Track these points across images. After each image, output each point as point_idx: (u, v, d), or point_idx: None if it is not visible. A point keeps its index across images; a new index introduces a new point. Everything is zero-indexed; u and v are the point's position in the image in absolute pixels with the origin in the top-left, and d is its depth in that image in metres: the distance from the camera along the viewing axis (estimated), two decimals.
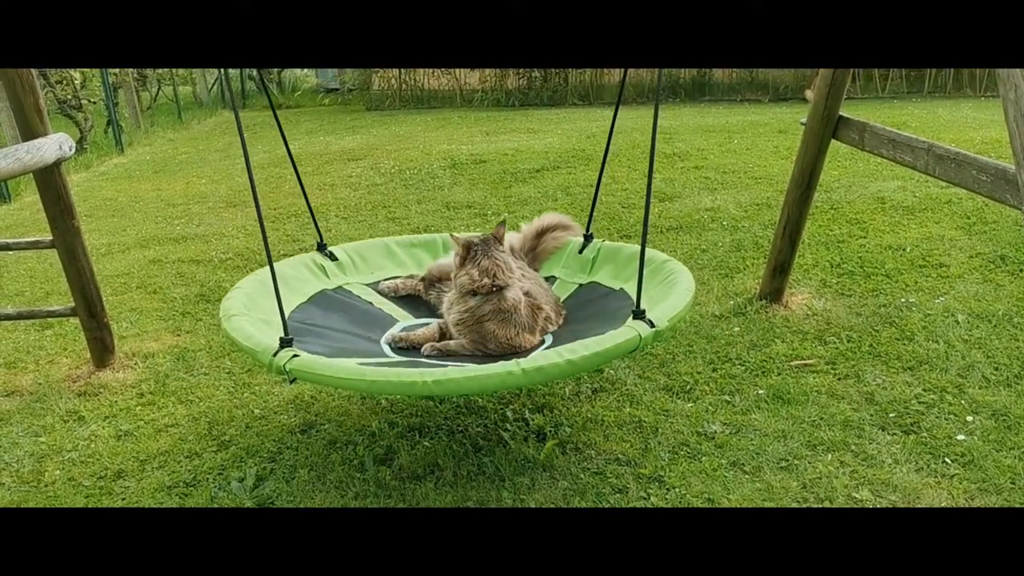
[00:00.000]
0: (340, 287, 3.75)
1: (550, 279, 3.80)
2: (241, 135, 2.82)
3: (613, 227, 6.02)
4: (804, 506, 2.81)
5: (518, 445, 3.26)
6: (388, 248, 4.06)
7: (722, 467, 3.05)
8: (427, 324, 3.47)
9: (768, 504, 2.83)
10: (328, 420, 3.55)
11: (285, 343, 2.72)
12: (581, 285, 3.75)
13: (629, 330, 2.69)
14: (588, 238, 3.88)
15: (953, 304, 4.25)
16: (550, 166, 8.25)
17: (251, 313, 3.07)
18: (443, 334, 3.32)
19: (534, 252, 3.85)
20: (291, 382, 2.74)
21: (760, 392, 3.55)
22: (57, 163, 3.60)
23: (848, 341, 3.96)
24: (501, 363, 2.62)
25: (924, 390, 3.50)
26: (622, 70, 3.72)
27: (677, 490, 2.93)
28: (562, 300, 3.62)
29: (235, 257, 6.00)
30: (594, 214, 3.98)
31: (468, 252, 3.25)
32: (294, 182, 8.38)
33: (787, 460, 3.08)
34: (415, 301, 3.76)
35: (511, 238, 3.76)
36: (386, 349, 3.29)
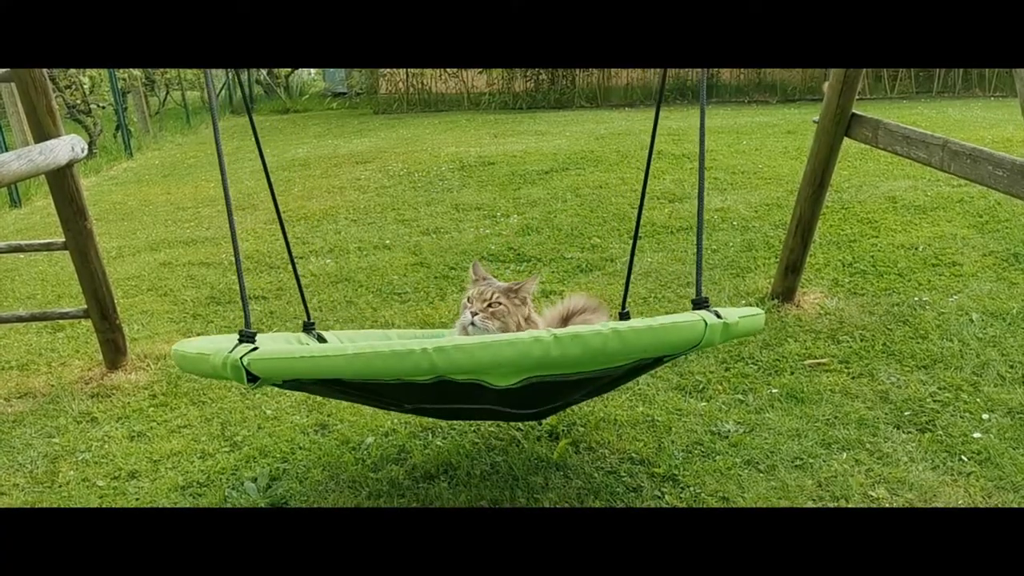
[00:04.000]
0: None
1: None
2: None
3: (624, 227, 6.01)
4: (820, 505, 2.79)
5: (531, 444, 3.25)
6: (387, 338, 3.47)
7: (736, 466, 3.04)
8: None
9: (783, 503, 2.81)
10: (340, 420, 3.55)
11: (245, 337, 2.30)
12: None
13: (692, 315, 2.24)
14: (624, 316, 3.33)
15: (967, 302, 4.23)
16: (559, 168, 8.25)
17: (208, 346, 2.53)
18: None
19: None
20: (251, 381, 2.20)
21: (774, 391, 3.53)
22: (69, 164, 3.61)
23: (861, 340, 3.94)
24: (528, 333, 2.27)
25: (939, 388, 3.48)
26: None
27: (691, 489, 2.91)
28: None
29: (245, 260, 6.01)
30: (628, 290, 3.57)
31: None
32: (303, 186, 8.46)
33: (802, 459, 3.06)
34: None
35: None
36: None
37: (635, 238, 3.47)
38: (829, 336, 4.01)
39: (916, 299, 4.32)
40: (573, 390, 2.58)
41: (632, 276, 5.04)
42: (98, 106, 12.28)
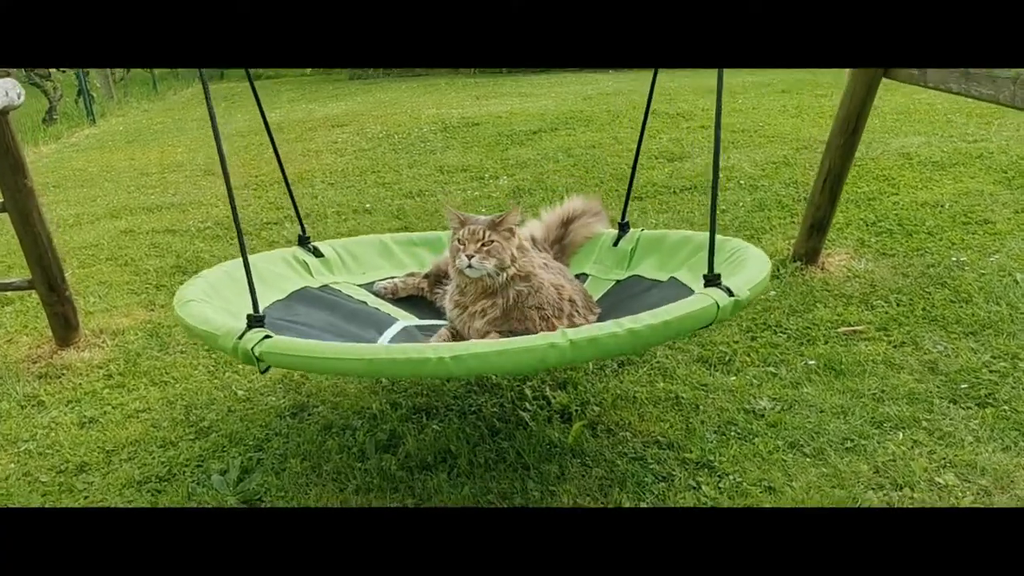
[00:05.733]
0: (326, 286, 3.13)
1: (580, 277, 3.22)
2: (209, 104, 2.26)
3: (623, 188, 5.55)
4: (881, 494, 2.41)
5: (541, 427, 2.85)
6: (384, 246, 3.42)
7: (779, 449, 2.65)
8: (432, 326, 2.94)
9: (839, 492, 2.42)
10: (322, 401, 3.13)
11: (255, 321, 2.18)
12: (618, 281, 3.14)
13: (704, 298, 2.19)
14: (624, 227, 3.26)
15: (1008, 263, 3.86)
16: (547, 128, 7.81)
17: (213, 302, 2.53)
18: (455, 338, 2.74)
19: (561, 244, 3.26)
20: (263, 371, 2.21)
21: (809, 363, 3.15)
22: (4, 111, 3.14)
23: (898, 305, 3.56)
24: (541, 334, 2.15)
25: (993, 357, 3.10)
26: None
27: (731, 477, 2.52)
28: (595, 299, 3.04)
29: (214, 226, 5.56)
30: (629, 200, 3.43)
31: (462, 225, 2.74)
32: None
33: (852, 440, 2.67)
34: (418, 302, 3.21)
35: (532, 228, 3.23)
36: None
37: (638, 147, 3.39)
38: (862, 301, 3.63)
39: (953, 259, 3.94)
40: None
41: None
42: (59, 70, 11.68)
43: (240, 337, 2.12)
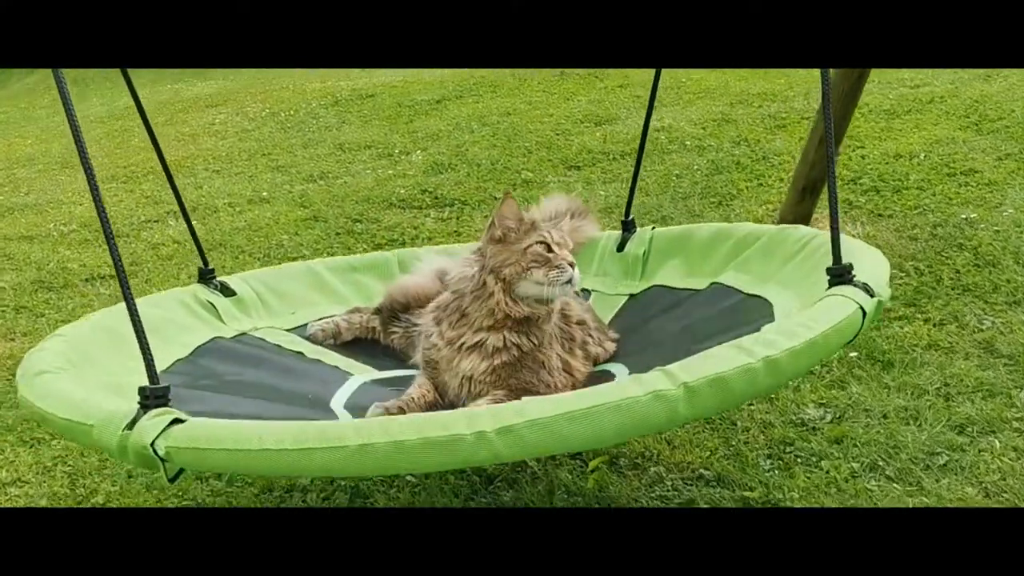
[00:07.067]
0: (244, 334, 2.39)
1: (581, 294, 2.52)
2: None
3: (556, 157, 5.00)
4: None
5: (547, 469, 2.24)
6: (315, 275, 2.67)
7: (856, 475, 2.11)
8: (397, 378, 2.27)
9: None
10: None
11: (154, 397, 1.46)
12: (632, 296, 2.52)
13: (845, 302, 1.59)
14: (629, 226, 2.63)
15: (1019, 216, 3.44)
16: (451, 96, 7.12)
17: (80, 371, 1.82)
18: (437, 392, 2.08)
19: None
20: (172, 479, 1.47)
21: (851, 355, 2.62)
22: None
23: (919, 274, 3.09)
24: (632, 378, 1.50)
25: None
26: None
27: None
28: (606, 322, 2.43)
29: (81, 228, 4.72)
30: (634, 192, 2.79)
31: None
32: (144, 135, 7.05)
33: (939, 454, 2.16)
34: (370, 347, 2.45)
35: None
36: (342, 415, 2.05)
37: (644, 133, 2.84)
38: None
39: (961, 217, 3.49)
40: None
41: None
42: None
43: (130, 426, 1.42)
